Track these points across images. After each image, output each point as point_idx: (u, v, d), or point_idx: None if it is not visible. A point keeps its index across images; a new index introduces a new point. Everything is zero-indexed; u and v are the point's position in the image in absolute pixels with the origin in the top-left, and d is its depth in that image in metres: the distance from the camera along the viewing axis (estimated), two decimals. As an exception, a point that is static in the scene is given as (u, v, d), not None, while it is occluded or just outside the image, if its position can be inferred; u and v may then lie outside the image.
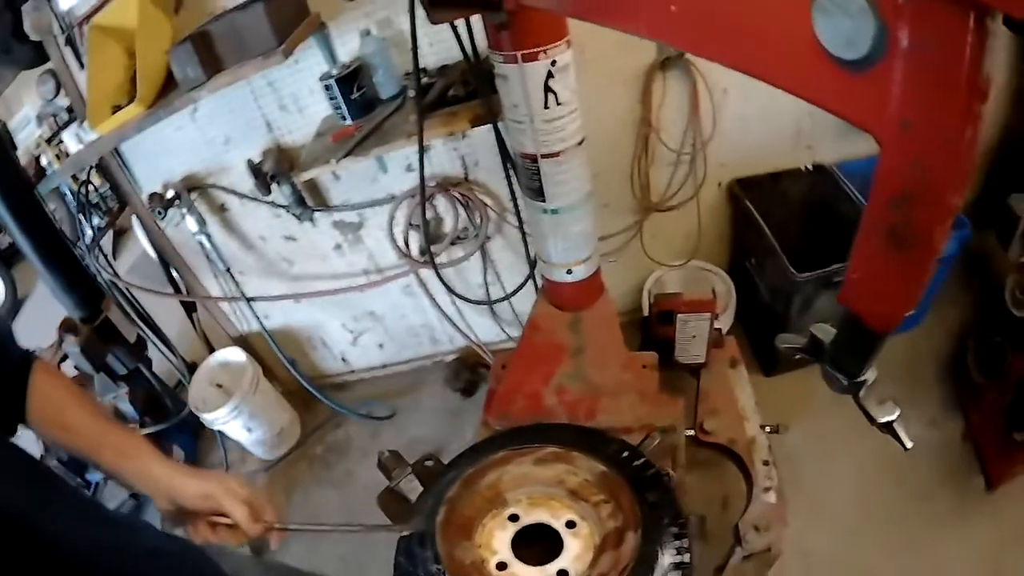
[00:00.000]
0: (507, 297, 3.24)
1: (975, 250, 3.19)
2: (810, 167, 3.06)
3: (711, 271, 3.28)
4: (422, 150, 2.16)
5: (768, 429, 2.08)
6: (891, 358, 3.07)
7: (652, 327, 2.27)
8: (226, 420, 3.25)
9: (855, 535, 2.60)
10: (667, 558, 1.26)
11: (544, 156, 1.64)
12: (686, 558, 1.27)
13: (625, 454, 1.46)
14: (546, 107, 1.56)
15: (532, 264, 2.84)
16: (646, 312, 2.97)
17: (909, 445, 1.15)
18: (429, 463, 1.60)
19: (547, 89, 1.53)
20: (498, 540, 1.33)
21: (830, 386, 1.18)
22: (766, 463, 1.96)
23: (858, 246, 0.85)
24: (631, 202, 3.09)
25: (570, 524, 1.34)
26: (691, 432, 2.02)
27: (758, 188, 3.05)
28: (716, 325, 2.32)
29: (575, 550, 1.28)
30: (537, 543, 1.33)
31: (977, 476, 2.68)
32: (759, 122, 2.92)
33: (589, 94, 2.63)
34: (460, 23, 2.01)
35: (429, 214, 3.07)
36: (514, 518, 1.37)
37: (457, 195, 2.97)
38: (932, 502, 2.65)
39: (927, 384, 3.07)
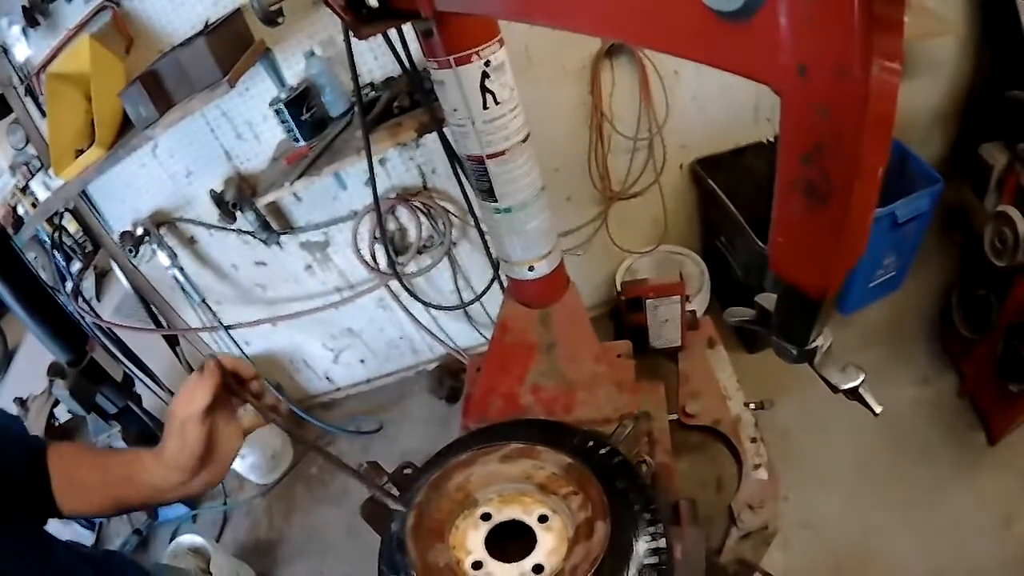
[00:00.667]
0: (475, 300, 3.26)
1: (952, 204, 3.20)
2: (772, 139, 3.06)
3: (682, 254, 3.29)
4: (371, 165, 2.16)
5: (753, 406, 2.06)
6: (875, 321, 3.12)
7: (623, 316, 2.27)
8: (219, 449, 3.23)
9: (860, 500, 2.62)
10: (642, 545, 1.26)
11: (490, 156, 1.62)
12: (662, 543, 1.27)
13: (590, 444, 1.47)
14: (485, 108, 1.55)
15: (495, 265, 2.85)
16: (620, 302, 2.98)
17: (878, 410, 1.11)
18: (407, 471, 1.60)
19: (484, 90, 1.53)
20: (472, 540, 1.33)
21: (781, 357, 1.16)
22: (754, 440, 1.94)
23: (778, 207, 0.79)
24: (593, 193, 3.10)
25: (543, 518, 1.33)
26: (674, 416, 2.02)
27: (721, 166, 3.06)
28: (689, 307, 2.32)
29: (549, 544, 1.28)
30: (512, 540, 1.33)
31: (978, 431, 2.70)
32: (715, 100, 2.94)
33: (538, 91, 2.66)
34: (394, 35, 2.01)
35: (393, 225, 3.09)
36: (487, 517, 1.37)
37: (418, 204, 2.98)
38: (935, 459, 2.67)
39: (914, 344, 3.09)
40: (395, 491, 1.53)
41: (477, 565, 1.27)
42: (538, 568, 1.23)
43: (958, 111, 3.33)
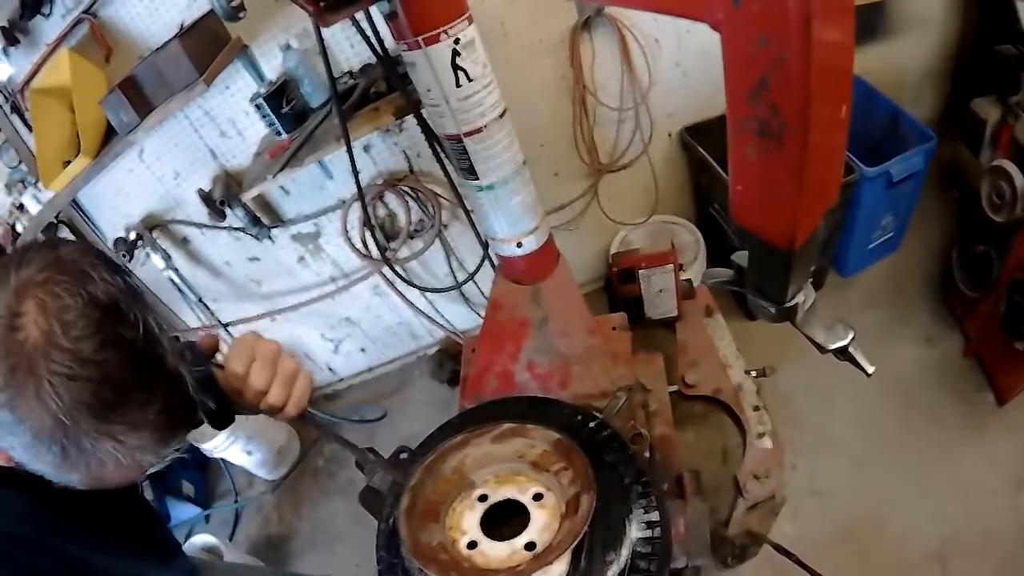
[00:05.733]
0: (467, 280, 3.25)
1: (947, 162, 3.18)
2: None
3: (676, 223, 3.27)
4: (351, 152, 2.17)
5: (755, 373, 2.03)
6: (875, 283, 3.11)
7: (616, 288, 2.24)
8: (225, 447, 3.27)
9: (868, 465, 2.60)
10: (634, 517, 1.25)
11: (467, 134, 1.61)
12: (655, 516, 1.26)
13: (579, 418, 1.46)
14: (458, 86, 1.53)
15: (485, 245, 2.85)
16: (615, 274, 2.97)
17: (870, 370, 1.09)
18: (403, 455, 1.59)
19: (456, 68, 1.51)
20: (467, 521, 1.33)
21: (760, 317, 1.14)
22: (757, 408, 1.90)
23: (732, 152, 0.78)
24: (581, 167, 3.09)
25: (537, 496, 1.33)
26: (675, 388, 2.00)
27: (709, 132, 3.02)
28: (685, 276, 2.29)
29: (542, 521, 1.27)
30: (509, 519, 1.32)
31: (985, 391, 2.68)
32: (698, 66, 2.91)
33: (517, 67, 2.65)
34: (364, 21, 2.00)
35: (382, 211, 3.09)
36: (483, 498, 1.37)
37: (406, 189, 2.98)
38: (943, 422, 2.65)
39: (917, 304, 3.07)
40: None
41: (472, 545, 1.27)
42: (530, 545, 1.22)
43: (949, 68, 3.31)
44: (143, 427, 0.86)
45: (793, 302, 1.05)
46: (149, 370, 0.88)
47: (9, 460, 0.98)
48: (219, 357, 1.24)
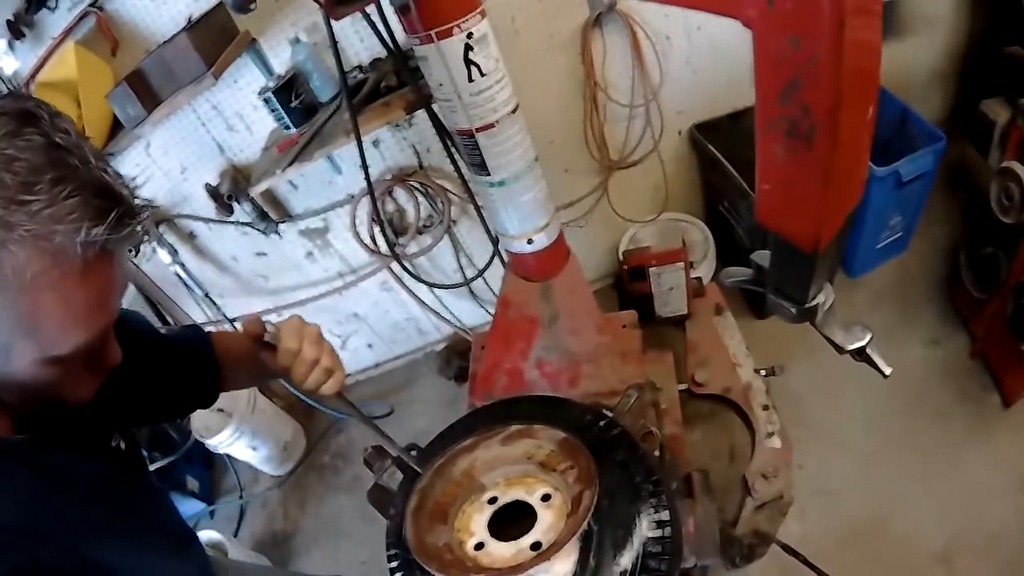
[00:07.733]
0: (476, 277, 3.25)
1: (955, 162, 3.16)
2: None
3: (686, 221, 3.26)
4: (361, 146, 2.16)
5: (764, 372, 2.02)
6: (883, 283, 3.09)
7: (626, 285, 2.24)
8: (230, 442, 3.26)
9: (875, 464, 2.60)
10: (645, 517, 1.24)
11: (479, 129, 1.61)
12: (665, 515, 1.25)
13: (588, 417, 1.45)
14: (471, 80, 1.52)
15: (495, 241, 2.84)
16: (624, 272, 2.97)
17: (887, 371, 1.08)
18: (413, 453, 1.59)
19: (468, 63, 1.50)
20: (476, 523, 1.32)
21: (780, 317, 1.13)
22: (766, 407, 1.89)
23: (760, 152, 0.77)
24: (591, 163, 3.08)
25: (545, 497, 1.32)
26: (684, 386, 1.99)
27: (719, 130, 3.02)
28: (694, 274, 2.29)
29: (548, 521, 1.27)
30: (518, 520, 1.32)
31: (991, 393, 2.67)
32: (709, 64, 2.90)
33: (528, 63, 2.64)
34: (375, 14, 1.99)
35: (391, 207, 3.09)
36: (493, 500, 1.37)
37: (415, 184, 2.98)
38: (949, 423, 2.64)
39: (924, 305, 3.06)
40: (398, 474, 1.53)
41: (480, 546, 1.27)
42: (536, 545, 1.22)
43: (957, 68, 3.29)
44: (57, 203, 0.81)
45: (814, 302, 1.04)
46: (62, 159, 0.83)
47: (10, 430, 1.00)
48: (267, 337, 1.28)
